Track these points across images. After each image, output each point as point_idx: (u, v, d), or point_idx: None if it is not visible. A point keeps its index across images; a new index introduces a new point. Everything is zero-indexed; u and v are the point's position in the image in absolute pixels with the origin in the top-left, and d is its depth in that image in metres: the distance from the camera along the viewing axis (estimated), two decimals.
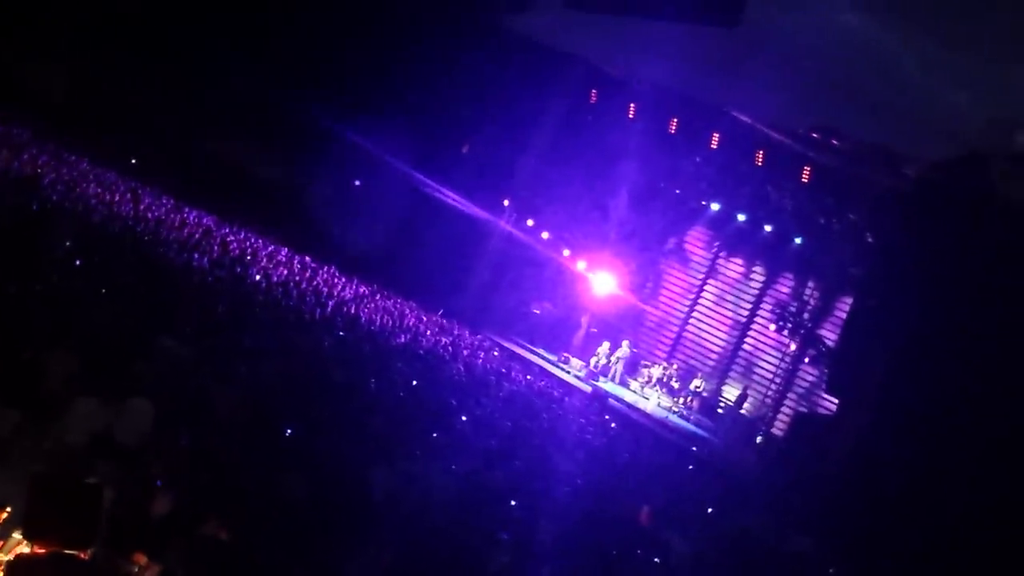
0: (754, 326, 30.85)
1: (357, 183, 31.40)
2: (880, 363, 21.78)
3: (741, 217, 30.33)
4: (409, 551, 8.78)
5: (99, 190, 21.11)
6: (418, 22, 29.57)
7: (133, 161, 26.33)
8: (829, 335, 27.97)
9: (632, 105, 28.36)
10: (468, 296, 31.13)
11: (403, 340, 20.60)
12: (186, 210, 24.38)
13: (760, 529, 17.24)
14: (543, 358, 29.22)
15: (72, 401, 7.93)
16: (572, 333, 31.84)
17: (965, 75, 31.61)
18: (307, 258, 25.97)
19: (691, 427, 27.13)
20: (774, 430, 27.91)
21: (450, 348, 22.67)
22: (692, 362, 31.53)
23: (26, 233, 14.12)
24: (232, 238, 23.80)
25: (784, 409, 28.58)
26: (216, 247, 21.31)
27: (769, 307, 30.16)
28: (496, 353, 26.51)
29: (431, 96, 29.51)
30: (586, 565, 10.61)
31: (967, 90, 31.43)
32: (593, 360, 29.04)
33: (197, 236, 21.42)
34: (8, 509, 5.91)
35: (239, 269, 19.63)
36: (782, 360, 29.33)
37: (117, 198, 21.34)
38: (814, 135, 26.62)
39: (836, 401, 24.66)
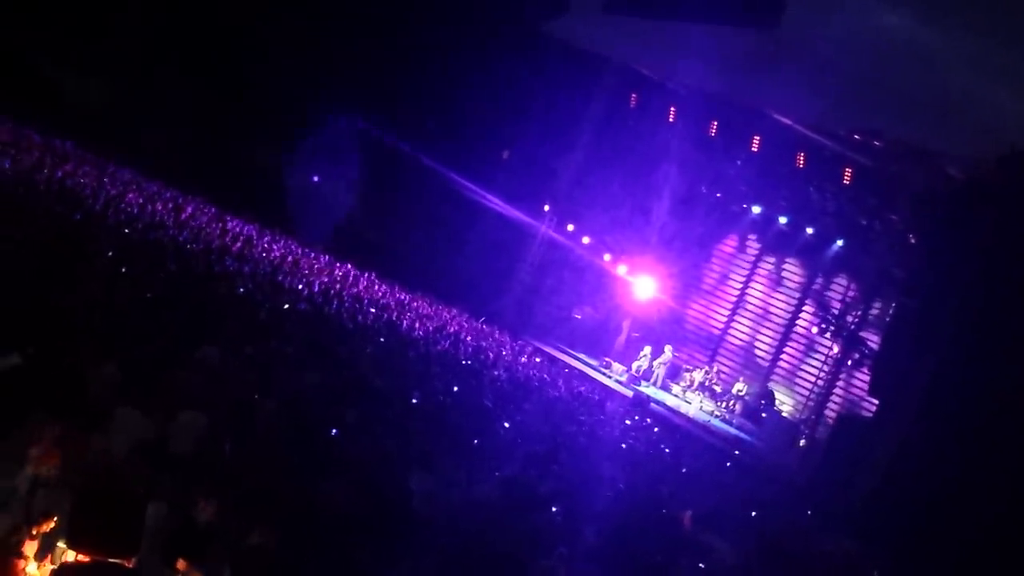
0: (796, 329, 30.72)
1: (397, 190, 31.46)
2: (923, 365, 21.61)
3: (782, 220, 30.20)
4: (452, 557, 8.79)
5: (141, 200, 21.27)
6: (457, 29, 29.63)
7: (175, 170, 26.46)
8: (871, 337, 27.81)
9: (672, 108, 28.35)
10: (509, 301, 31.19)
11: (444, 346, 20.65)
12: (227, 219, 24.51)
13: (803, 532, 17.18)
14: (584, 363, 29.18)
15: (115, 411, 7.98)
16: (613, 338, 31.81)
17: (1007, 72, 31.31)
18: (348, 265, 26.05)
19: (733, 431, 27.04)
20: (816, 433, 27.75)
21: (491, 354, 22.69)
22: (734, 366, 31.44)
23: (69, 243, 14.23)
24: (273, 246, 23.94)
25: (826, 412, 28.42)
26: (257, 255, 21.44)
27: (811, 310, 30.08)
28: (537, 358, 26.52)
29: (471, 102, 29.56)
30: (628, 569, 10.59)
31: (1009, 87, 31.12)
32: (635, 364, 28.96)
33: (238, 245, 21.56)
34: (54, 519, 5.98)
35: (280, 277, 19.73)
36: (824, 363, 29.19)
37: (159, 207, 21.50)
38: (855, 136, 26.45)
39: (878, 403, 24.46)
